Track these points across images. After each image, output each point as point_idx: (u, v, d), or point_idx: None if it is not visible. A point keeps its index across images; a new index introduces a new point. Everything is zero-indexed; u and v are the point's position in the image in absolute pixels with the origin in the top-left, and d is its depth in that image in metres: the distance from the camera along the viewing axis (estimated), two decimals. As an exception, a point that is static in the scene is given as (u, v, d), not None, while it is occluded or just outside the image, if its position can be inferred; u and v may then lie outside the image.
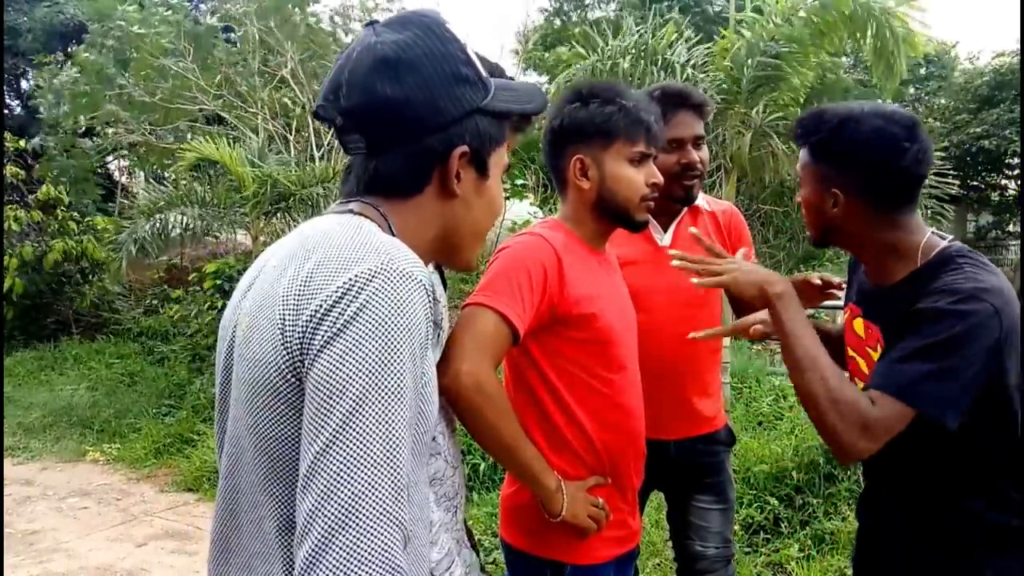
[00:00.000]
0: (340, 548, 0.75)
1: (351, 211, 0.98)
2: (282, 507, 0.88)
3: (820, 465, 3.71)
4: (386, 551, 0.76)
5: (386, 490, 0.77)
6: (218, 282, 6.67)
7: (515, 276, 1.48)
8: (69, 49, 11.26)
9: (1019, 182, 14.64)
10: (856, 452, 1.33)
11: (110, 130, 9.12)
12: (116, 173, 13.03)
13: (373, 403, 0.79)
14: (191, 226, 7.17)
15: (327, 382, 0.80)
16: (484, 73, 1.02)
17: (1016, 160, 13.49)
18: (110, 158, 12.03)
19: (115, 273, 7.60)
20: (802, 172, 1.53)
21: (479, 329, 1.42)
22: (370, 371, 0.80)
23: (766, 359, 6.99)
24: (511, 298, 1.46)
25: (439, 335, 1.37)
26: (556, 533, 1.61)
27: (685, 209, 2.14)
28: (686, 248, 2.09)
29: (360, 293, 0.83)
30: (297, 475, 0.81)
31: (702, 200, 2.18)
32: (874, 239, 1.47)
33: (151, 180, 9.82)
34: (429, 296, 0.87)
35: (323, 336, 0.82)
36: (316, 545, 0.75)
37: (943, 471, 1.43)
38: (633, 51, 7.30)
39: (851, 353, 1.61)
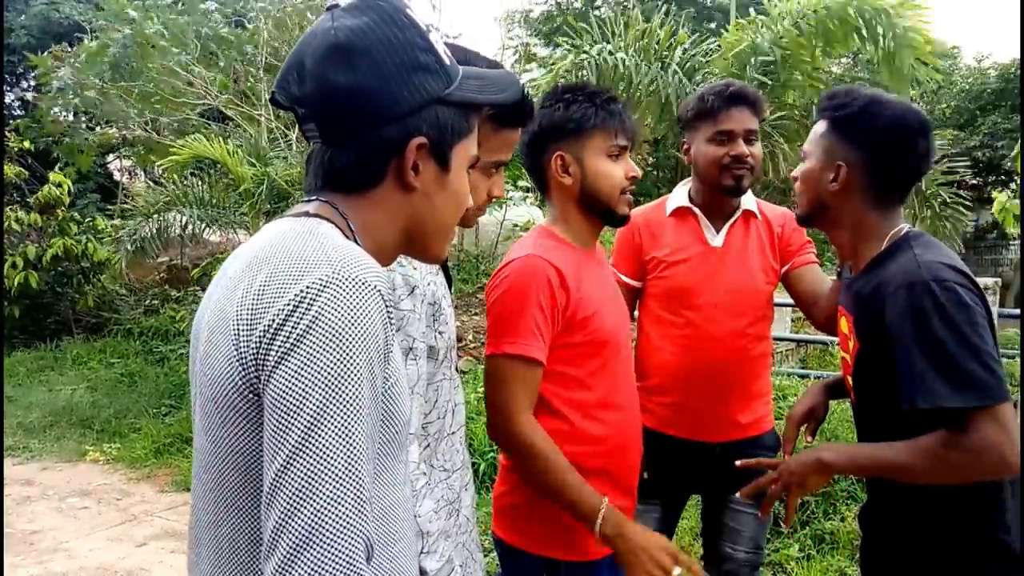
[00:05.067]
0: (306, 564, 0.75)
1: (307, 213, 0.95)
2: (249, 520, 0.87)
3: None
4: (351, 564, 0.77)
5: (349, 504, 0.78)
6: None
7: (530, 311, 1.56)
8: (70, 48, 11.22)
9: (1019, 181, 14.62)
10: (999, 464, 1.31)
11: (111, 130, 9.12)
12: (116, 173, 13.03)
13: (331, 417, 0.78)
14: (191, 226, 7.17)
15: (284, 398, 0.79)
16: (448, 61, 0.97)
17: (1011, 163, 13.47)
18: (111, 157, 12.03)
19: (114, 273, 7.58)
20: (812, 143, 1.59)
21: (518, 383, 1.55)
22: (326, 385, 0.79)
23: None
24: (532, 336, 1.55)
25: (442, 317, 1.39)
26: (551, 530, 1.62)
27: (739, 212, 2.15)
28: (736, 249, 2.13)
29: (312, 305, 0.81)
30: (262, 489, 0.81)
31: (754, 205, 2.19)
32: (857, 221, 1.52)
33: (151, 182, 9.81)
34: (385, 301, 0.86)
35: (277, 351, 0.81)
36: (283, 561, 0.76)
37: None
38: (637, 48, 7.30)
39: (842, 353, 1.64)
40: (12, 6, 12.98)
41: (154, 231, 7.09)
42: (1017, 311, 5.24)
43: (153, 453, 5.53)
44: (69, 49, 10.13)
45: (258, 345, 0.82)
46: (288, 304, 0.82)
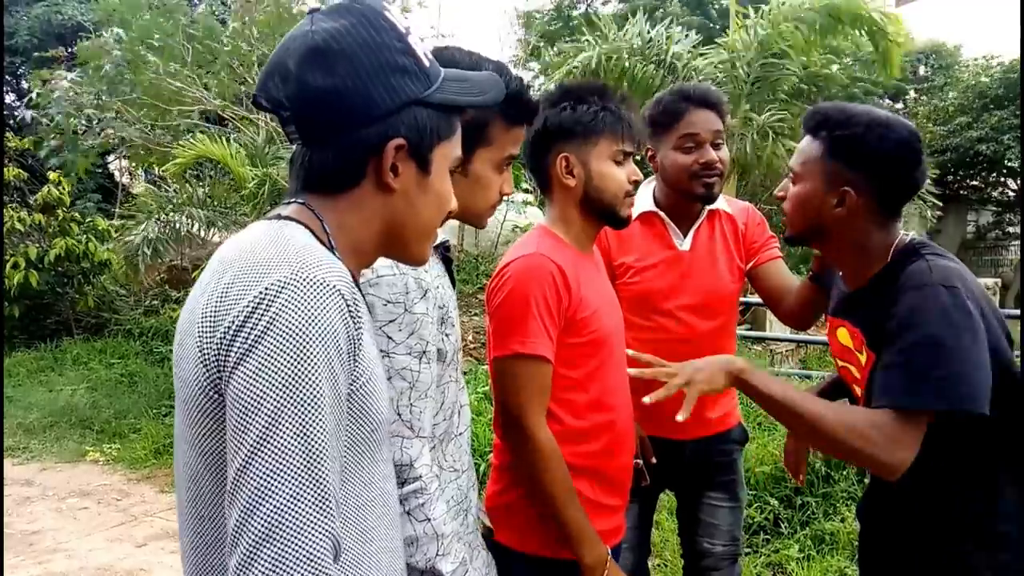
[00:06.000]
0: (266, 560, 0.76)
1: (279, 216, 0.96)
2: (221, 517, 0.89)
3: (817, 466, 3.71)
4: (313, 560, 0.77)
5: (310, 501, 0.79)
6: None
7: (537, 309, 1.55)
8: (69, 49, 11.20)
9: (1019, 181, 14.62)
10: (892, 467, 1.35)
11: (110, 130, 9.11)
12: (116, 174, 13.03)
13: (289, 416, 0.80)
14: (195, 226, 7.17)
15: (243, 398, 0.81)
16: (427, 63, 0.98)
17: (1012, 161, 13.45)
18: (111, 157, 12.01)
19: (131, 275, 7.58)
20: (807, 165, 1.52)
21: (531, 383, 1.54)
22: (283, 385, 0.80)
23: (766, 360, 7.00)
24: (541, 335, 1.54)
25: (450, 320, 1.40)
26: (543, 529, 1.62)
27: (704, 214, 2.14)
28: (703, 252, 2.12)
29: (270, 306, 0.82)
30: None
31: (721, 202, 2.17)
32: (862, 242, 1.50)
33: (151, 183, 9.80)
34: (347, 301, 0.87)
35: (237, 352, 0.83)
36: (244, 557, 0.77)
37: (946, 469, 1.44)
38: (637, 48, 7.31)
39: (841, 363, 1.63)
40: (13, 9, 12.97)
41: (164, 232, 7.10)
42: (1017, 311, 5.25)
43: (153, 453, 5.53)
44: (69, 51, 10.11)
45: (219, 346, 0.84)
46: (248, 306, 0.83)
